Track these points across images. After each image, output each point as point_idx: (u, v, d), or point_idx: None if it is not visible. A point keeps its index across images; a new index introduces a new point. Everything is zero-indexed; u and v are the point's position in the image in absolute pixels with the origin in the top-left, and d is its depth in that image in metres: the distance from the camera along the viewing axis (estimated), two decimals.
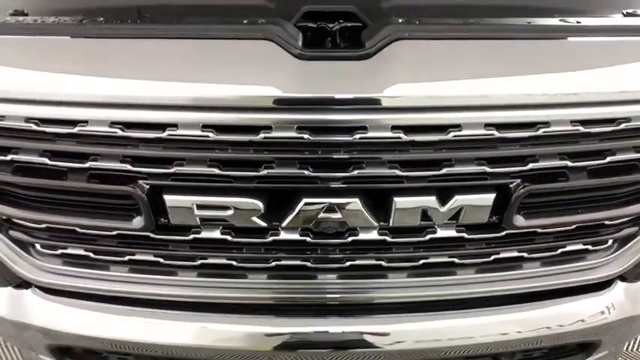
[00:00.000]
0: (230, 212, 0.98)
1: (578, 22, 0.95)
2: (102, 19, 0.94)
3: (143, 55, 0.90)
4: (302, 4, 1.12)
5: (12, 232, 1.16)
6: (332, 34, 1.07)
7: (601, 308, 1.25)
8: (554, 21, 0.95)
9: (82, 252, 1.14)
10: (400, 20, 0.92)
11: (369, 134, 0.89)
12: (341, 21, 1.09)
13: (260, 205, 0.97)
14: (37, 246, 1.17)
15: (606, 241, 1.21)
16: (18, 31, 0.95)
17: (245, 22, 0.92)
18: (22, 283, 1.24)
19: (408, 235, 1.06)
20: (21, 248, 1.18)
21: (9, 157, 0.99)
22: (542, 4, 1.17)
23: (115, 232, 1.08)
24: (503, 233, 1.09)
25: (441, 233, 1.06)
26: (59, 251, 1.16)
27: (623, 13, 1.15)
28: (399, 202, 0.97)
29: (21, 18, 0.99)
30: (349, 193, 0.97)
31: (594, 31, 0.94)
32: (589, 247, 1.19)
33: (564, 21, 0.96)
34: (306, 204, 0.96)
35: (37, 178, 1.01)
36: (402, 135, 0.89)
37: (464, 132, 0.90)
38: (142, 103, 0.87)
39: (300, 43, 0.90)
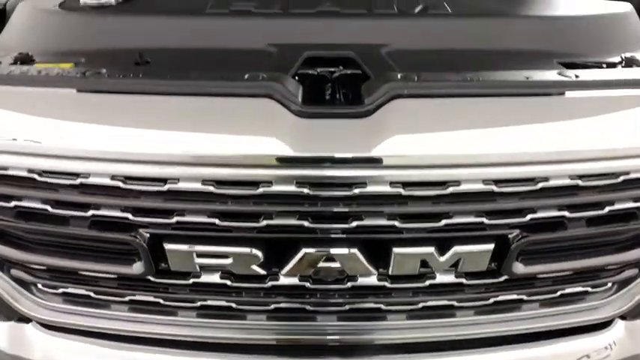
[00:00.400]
0: (229, 261, 0.99)
1: (576, 76, 0.95)
2: (105, 70, 0.95)
3: (144, 110, 0.91)
4: (302, 48, 1.13)
5: (13, 271, 1.18)
6: (332, 82, 1.07)
7: (602, 346, 1.25)
8: (553, 75, 0.95)
9: (83, 291, 1.15)
10: (399, 75, 0.92)
11: (368, 189, 0.89)
12: (341, 68, 1.10)
13: (259, 254, 0.97)
14: (39, 284, 1.18)
15: (606, 283, 1.21)
16: (21, 82, 0.96)
17: (246, 76, 0.92)
18: (23, 317, 1.25)
19: (407, 281, 1.06)
20: (22, 286, 1.19)
21: (12, 204, 1.00)
22: (542, 48, 1.17)
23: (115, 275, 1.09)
24: (503, 278, 1.09)
25: (440, 279, 1.06)
26: (60, 290, 1.17)
27: (621, 57, 1.16)
28: (398, 252, 0.97)
29: (25, 68, 1.00)
30: (348, 242, 0.97)
31: (593, 86, 0.95)
32: (589, 289, 1.19)
33: (562, 75, 0.96)
34: (305, 254, 0.97)
35: (39, 224, 1.03)
36: (401, 190, 0.89)
37: (462, 187, 0.90)
38: (143, 159, 0.88)
39: (300, 99, 0.91)
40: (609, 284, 1.21)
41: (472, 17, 1.25)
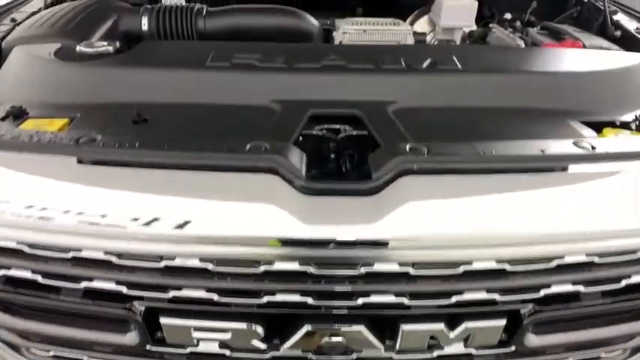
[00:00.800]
0: (228, 335, 0.94)
1: (593, 147, 0.91)
2: (100, 136, 0.91)
3: (139, 184, 0.86)
4: (307, 105, 1.09)
5: (2, 333, 1.12)
6: (337, 143, 1.03)
7: None
8: (568, 146, 0.91)
9: (75, 355, 1.10)
10: (408, 147, 0.88)
11: (375, 268, 0.85)
12: (346, 128, 1.05)
13: (260, 329, 0.92)
14: (29, 347, 1.13)
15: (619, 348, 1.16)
16: (11, 148, 0.91)
17: (248, 147, 0.88)
18: None
19: (414, 352, 1.01)
20: (12, 348, 1.14)
21: (1, 273, 0.96)
22: (554, 106, 1.14)
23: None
24: (513, 348, 1.04)
25: (449, 350, 1.01)
26: (51, 353, 1.12)
27: (636, 116, 1.12)
28: (406, 328, 0.93)
29: (16, 132, 0.95)
30: (354, 318, 0.93)
31: (610, 158, 0.90)
32: (602, 355, 1.14)
33: (578, 145, 0.91)
34: (309, 330, 0.92)
35: (29, 291, 0.98)
36: (410, 270, 0.85)
37: (475, 266, 0.86)
38: (137, 237, 0.84)
39: (304, 172, 0.86)
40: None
41: (481, 73, 1.21)
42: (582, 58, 1.38)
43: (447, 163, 0.86)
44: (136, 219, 0.87)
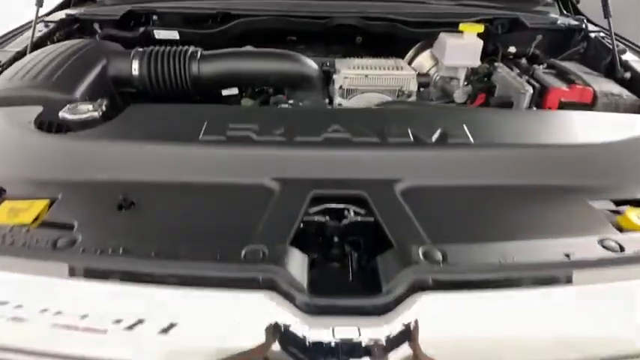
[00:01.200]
0: None
1: (621, 249, 0.84)
2: (80, 238, 0.82)
3: (122, 299, 0.78)
4: (308, 185, 1.01)
5: None
6: (341, 230, 0.95)
7: None
8: (593, 246, 0.83)
9: None
10: (421, 253, 0.80)
11: None
12: (351, 210, 0.97)
13: None
14: None
15: None
16: None
17: (243, 253, 0.79)
18: None
19: None
20: None
21: None
22: (572, 183, 1.06)
23: None
24: None
25: None
26: None
27: None
28: None
29: None
30: None
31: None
32: None
33: (604, 246, 0.84)
34: None
35: None
36: None
37: None
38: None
39: (305, 283, 0.78)
40: None
41: (494, 148, 1.13)
42: (600, 124, 1.30)
43: (464, 274, 0.79)
44: (118, 321, 0.79)
